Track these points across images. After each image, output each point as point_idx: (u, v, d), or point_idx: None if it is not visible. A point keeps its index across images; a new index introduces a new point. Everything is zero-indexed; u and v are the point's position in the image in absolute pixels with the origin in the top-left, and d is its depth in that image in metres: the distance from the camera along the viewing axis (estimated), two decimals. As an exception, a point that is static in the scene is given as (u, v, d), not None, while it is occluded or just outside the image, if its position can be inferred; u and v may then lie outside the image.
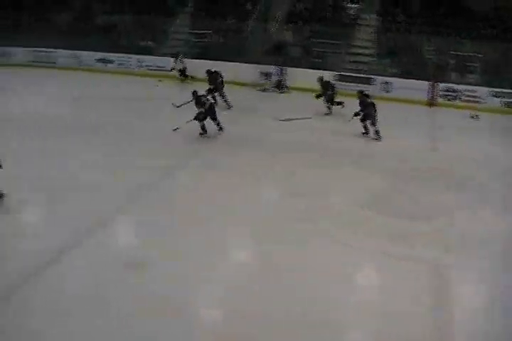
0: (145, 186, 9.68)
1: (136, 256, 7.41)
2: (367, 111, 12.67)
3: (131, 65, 19.45)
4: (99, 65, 19.60)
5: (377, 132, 12.77)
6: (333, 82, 15.25)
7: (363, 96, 12.85)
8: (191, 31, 20.47)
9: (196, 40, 20.01)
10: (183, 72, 18.10)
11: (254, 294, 6.62)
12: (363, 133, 13.02)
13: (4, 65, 20.40)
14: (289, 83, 17.38)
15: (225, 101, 14.83)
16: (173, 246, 7.64)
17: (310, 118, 13.96)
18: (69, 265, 7.12)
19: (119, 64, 19.16)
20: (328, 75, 15.88)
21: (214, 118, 12.38)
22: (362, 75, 17.02)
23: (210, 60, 17.81)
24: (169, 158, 11.13)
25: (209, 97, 13.14)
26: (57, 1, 22.13)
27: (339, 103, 14.09)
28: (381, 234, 8.10)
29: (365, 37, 18.94)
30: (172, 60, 18.48)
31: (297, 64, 17.72)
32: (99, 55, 19.60)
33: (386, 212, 8.82)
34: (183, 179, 10.29)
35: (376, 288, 7.03)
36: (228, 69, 15.90)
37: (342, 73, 17.23)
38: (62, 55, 20.16)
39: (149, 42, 20.13)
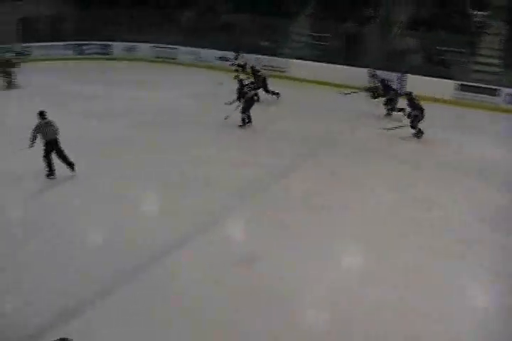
0: (258, 184, 10.21)
1: (245, 253, 7.79)
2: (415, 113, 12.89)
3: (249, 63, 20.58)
4: (219, 62, 20.97)
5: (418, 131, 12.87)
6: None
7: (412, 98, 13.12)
8: (310, 33, 21.33)
9: (315, 42, 20.85)
10: (243, 68, 19.05)
11: (362, 297, 6.91)
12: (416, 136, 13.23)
13: (129, 59, 22.32)
14: (406, 90, 17.66)
15: (273, 93, 15.87)
16: (282, 245, 7.98)
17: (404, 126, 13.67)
18: (178, 260, 7.63)
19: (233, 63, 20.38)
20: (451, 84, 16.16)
21: (244, 110, 13.37)
22: (486, 86, 17.06)
23: (328, 63, 18.57)
24: (284, 158, 11.63)
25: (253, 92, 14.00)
26: (183, 1, 23.98)
27: (400, 109, 13.77)
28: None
29: (491, 46, 18.83)
30: (233, 55, 19.44)
31: (418, 71, 18.01)
32: (219, 53, 20.96)
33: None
34: (295, 179, 10.71)
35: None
36: (343, 73, 16.40)
37: (465, 83, 17.36)
38: (183, 51, 21.77)
39: (268, 43, 21.26)
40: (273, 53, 20.40)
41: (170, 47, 22.01)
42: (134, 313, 6.35)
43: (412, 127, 13.15)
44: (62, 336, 4.54)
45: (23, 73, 17.84)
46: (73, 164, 10.44)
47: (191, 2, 23.62)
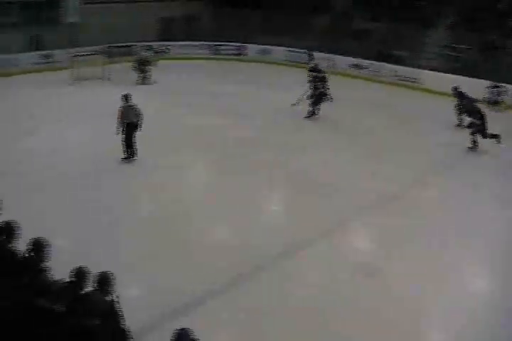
0: (386, 192, 10.56)
1: (367, 259, 8.11)
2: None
3: (381, 72, 21.51)
4: (352, 70, 21.99)
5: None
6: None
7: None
8: (447, 44, 21.74)
9: (452, 54, 21.25)
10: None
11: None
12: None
13: (263, 61, 23.71)
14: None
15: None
16: (405, 252, 8.32)
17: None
18: (298, 262, 7.99)
19: (371, 71, 21.29)
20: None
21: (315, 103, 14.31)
22: None
23: (465, 76, 18.90)
24: (419, 169, 11.90)
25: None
26: (318, 6, 25.22)
27: (494, 136, 13.03)
28: None
29: None
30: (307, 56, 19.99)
31: None
32: (353, 60, 21.97)
33: None
34: (431, 191, 10.96)
35: None
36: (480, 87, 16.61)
37: None
38: (316, 57, 22.92)
39: (402, 52, 21.96)
40: (405, 63, 20.76)
41: (303, 52, 22.82)
42: (246, 313, 6.63)
43: None
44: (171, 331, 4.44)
45: (159, 70, 19.64)
46: (133, 154, 11.55)
47: (327, 7, 24.63)
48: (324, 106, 15.51)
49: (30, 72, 20.08)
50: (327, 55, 21.80)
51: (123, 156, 11.57)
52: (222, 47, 24.07)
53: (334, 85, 16.26)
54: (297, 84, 18.49)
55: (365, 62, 20.71)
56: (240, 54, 23.64)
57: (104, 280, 4.82)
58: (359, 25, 22.64)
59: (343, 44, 21.84)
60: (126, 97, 11.49)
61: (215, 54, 24.10)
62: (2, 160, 11.14)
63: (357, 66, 20.92)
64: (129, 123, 11.30)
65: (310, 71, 15.86)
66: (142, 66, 19.43)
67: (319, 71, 16.50)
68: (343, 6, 24.01)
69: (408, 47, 21.20)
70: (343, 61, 21.24)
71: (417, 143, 13.63)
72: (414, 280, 7.48)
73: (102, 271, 4.89)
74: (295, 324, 6.44)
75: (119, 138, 11.67)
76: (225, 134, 13.67)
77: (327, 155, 12.47)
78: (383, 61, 20.46)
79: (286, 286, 7.35)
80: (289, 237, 8.58)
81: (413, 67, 20.31)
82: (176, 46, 24.31)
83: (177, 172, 11.16)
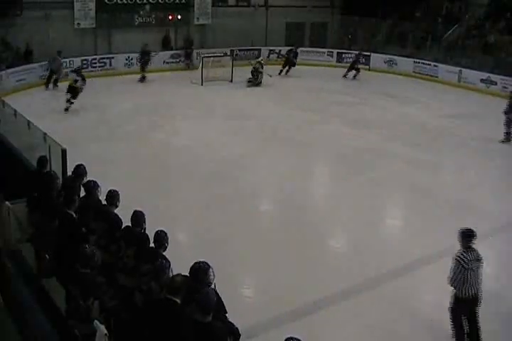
0: None
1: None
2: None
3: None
4: (482, 85, 22.26)
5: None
6: None
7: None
8: None
9: None
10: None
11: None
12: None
13: (387, 71, 24.73)
14: None
15: None
16: None
17: None
18: (425, 274, 8.25)
19: (503, 87, 21.44)
20: None
21: None
22: None
23: None
24: None
25: None
26: (448, 19, 25.68)
27: None
28: None
29: None
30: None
31: None
32: (483, 75, 22.24)
33: None
34: None
35: None
36: None
37: None
38: (443, 70, 23.44)
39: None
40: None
41: (430, 64, 23.47)
42: (364, 319, 7.03)
43: None
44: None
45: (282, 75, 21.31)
46: None
47: (457, 20, 25.03)
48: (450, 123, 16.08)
49: (162, 70, 22.49)
50: (455, 67, 22.11)
51: None
52: (346, 55, 24.91)
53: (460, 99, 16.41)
54: (422, 97, 19.15)
55: (496, 78, 20.72)
56: (363, 63, 24.40)
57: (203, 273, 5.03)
58: (492, 39, 22.62)
59: (473, 58, 21.96)
60: None
61: (339, 62, 24.89)
62: (138, 154, 12.72)
63: (487, 81, 21.06)
64: None
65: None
66: (255, 71, 20.93)
67: None
68: (476, 18, 24.14)
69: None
70: (473, 75, 21.39)
71: None
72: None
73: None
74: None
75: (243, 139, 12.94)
76: (350, 143, 14.45)
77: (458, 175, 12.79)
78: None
79: (412, 297, 7.78)
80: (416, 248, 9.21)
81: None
82: (299, 51, 25.51)
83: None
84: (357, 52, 23.43)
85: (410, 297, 7.64)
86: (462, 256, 6.13)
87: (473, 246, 6.27)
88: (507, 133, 15.07)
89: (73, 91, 15.65)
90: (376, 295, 7.55)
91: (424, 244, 9.13)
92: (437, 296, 7.27)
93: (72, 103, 15.68)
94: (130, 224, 6.01)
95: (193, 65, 22.90)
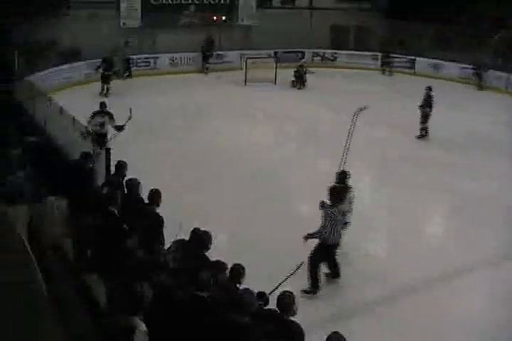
0: None
1: None
2: None
3: None
4: (529, 91, 21.70)
5: None
6: None
7: None
8: None
9: None
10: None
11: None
12: None
13: (433, 76, 24.27)
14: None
15: None
16: None
17: None
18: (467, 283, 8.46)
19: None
20: None
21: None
22: None
23: None
24: None
25: None
26: (495, 23, 25.16)
27: None
28: None
29: None
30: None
31: None
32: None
33: None
34: None
35: None
36: None
37: None
38: (492, 75, 22.98)
39: None
40: None
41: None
42: (408, 323, 7.18)
43: None
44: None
45: (321, 77, 21.16)
46: None
47: (504, 24, 24.51)
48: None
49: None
50: (501, 73, 21.75)
51: None
52: (392, 60, 24.67)
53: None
54: (468, 102, 18.75)
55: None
56: (408, 67, 24.15)
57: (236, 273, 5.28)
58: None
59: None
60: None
61: (383, 65, 24.66)
62: (179, 153, 12.84)
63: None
64: None
65: None
66: (297, 73, 21.15)
67: None
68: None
69: None
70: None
71: None
72: None
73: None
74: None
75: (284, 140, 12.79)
76: (392, 148, 14.43)
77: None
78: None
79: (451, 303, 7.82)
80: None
81: None
82: (343, 55, 25.42)
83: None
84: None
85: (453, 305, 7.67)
86: (333, 211, 7.18)
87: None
88: (423, 129, 15.00)
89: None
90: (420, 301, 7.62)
91: (469, 250, 9.20)
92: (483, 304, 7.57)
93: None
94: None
95: (208, 68, 22.74)
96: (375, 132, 15.66)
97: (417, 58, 24.40)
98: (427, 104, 14.83)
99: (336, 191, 7.29)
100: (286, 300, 4.80)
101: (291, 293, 4.88)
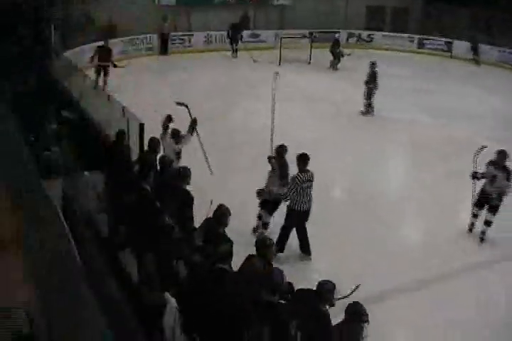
0: None
1: None
2: None
3: None
4: None
5: None
6: None
7: None
8: None
9: None
10: None
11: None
12: None
13: (469, 59, 23.73)
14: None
15: None
16: None
17: None
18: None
19: None
20: None
21: None
22: None
23: None
24: None
25: None
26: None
27: None
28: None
29: None
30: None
31: None
32: None
33: None
34: None
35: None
36: None
37: None
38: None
39: None
40: None
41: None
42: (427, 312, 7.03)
43: None
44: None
45: (358, 59, 20.66)
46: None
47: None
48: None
49: (240, 49, 22.33)
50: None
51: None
52: (428, 42, 24.22)
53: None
54: (508, 87, 18.31)
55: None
56: (445, 50, 23.67)
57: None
58: None
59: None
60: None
61: (420, 48, 24.23)
62: (214, 132, 12.74)
63: None
64: None
65: None
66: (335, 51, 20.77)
67: None
68: None
69: None
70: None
71: None
72: None
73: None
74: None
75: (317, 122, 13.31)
76: (428, 133, 14.13)
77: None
78: None
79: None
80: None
81: None
82: (379, 36, 25.03)
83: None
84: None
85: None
86: (299, 177, 7.37)
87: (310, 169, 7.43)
88: (368, 105, 14.89)
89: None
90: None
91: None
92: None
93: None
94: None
95: (237, 51, 21.73)
96: (408, 115, 15.48)
97: (454, 41, 23.57)
98: (371, 80, 14.70)
99: (303, 158, 7.45)
100: (327, 287, 4.79)
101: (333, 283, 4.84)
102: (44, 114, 10.09)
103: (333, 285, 4.81)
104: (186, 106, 9.03)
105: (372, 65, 15.12)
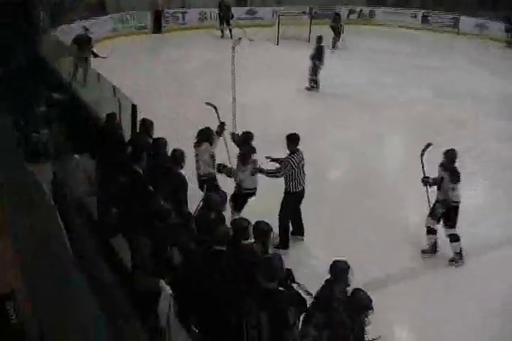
0: None
1: None
2: None
3: None
4: None
5: None
6: None
7: None
8: None
9: None
10: None
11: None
12: None
13: (476, 35, 23.63)
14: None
15: None
16: None
17: None
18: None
19: None
20: None
21: None
22: None
23: None
24: None
25: None
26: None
27: None
28: None
29: None
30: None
31: None
32: None
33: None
34: None
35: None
36: None
37: None
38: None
39: None
40: None
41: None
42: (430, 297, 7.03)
43: None
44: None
45: (358, 36, 20.86)
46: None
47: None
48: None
49: (236, 27, 21.92)
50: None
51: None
52: (433, 18, 24.06)
53: None
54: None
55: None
56: (451, 26, 23.51)
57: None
58: None
59: None
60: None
61: (424, 24, 24.07)
62: (206, 112, 12.35)
63: None
64: None
65: None
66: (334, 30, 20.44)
67: None
68: None
69: None
70: None
71: None
72: None
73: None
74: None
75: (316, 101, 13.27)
76: (432, 112, 14.04)
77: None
78: None
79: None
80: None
81: None
82: (381, 12, 24.83)
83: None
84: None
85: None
86: (292, 159, 7.29)
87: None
88: (313, 81, 14.78)
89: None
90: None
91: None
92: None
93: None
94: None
95: (231, 31, 20.94)
96: (413, 91, 15.54)
97: (460, 17, 23.37)
98: (316, 56, 14.57)
99: (293, 138, 7.40)
100: (341, 266, 4.86)
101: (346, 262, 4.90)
102: (33, 95, 9.98)
103: (347, 265, 4.84)
104: (215, 108, 8.80)
105: (319, 39, 14.93)
